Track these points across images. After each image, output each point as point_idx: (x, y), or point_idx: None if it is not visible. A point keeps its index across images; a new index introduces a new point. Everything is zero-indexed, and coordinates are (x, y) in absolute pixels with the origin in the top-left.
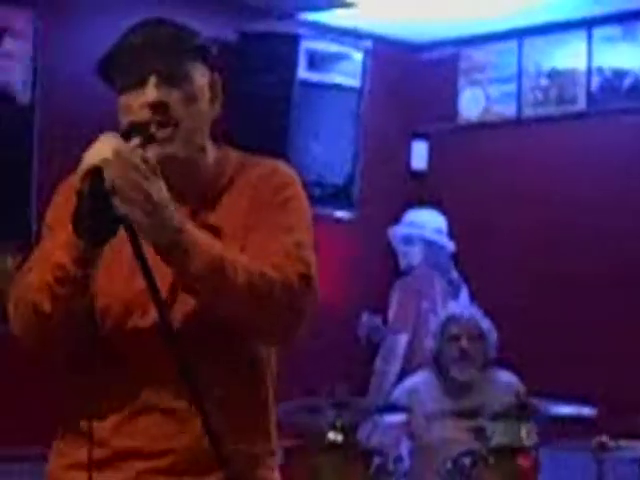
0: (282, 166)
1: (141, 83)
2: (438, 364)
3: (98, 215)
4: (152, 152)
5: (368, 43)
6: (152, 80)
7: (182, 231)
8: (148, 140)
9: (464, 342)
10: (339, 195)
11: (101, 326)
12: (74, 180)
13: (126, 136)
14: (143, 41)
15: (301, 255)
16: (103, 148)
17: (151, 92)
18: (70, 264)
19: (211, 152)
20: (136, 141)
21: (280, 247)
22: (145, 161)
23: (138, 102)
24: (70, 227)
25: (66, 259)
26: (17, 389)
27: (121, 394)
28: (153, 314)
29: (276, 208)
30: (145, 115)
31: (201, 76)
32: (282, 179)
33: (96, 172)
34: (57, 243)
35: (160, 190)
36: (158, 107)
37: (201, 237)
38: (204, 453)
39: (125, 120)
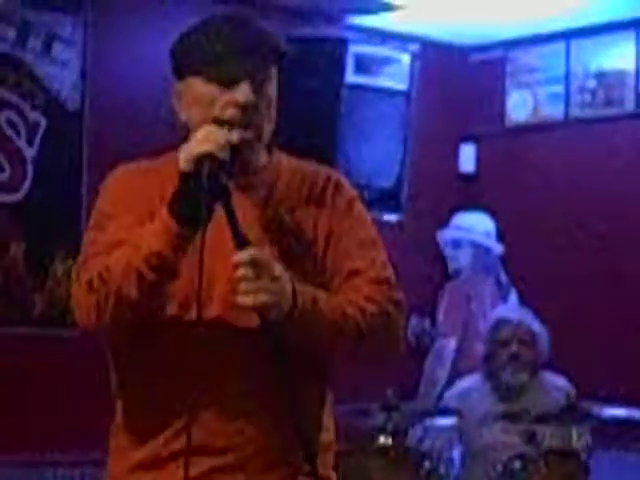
0: (343, 177)
1: (234, 82)
2: (489, 368)
3: (205, 199)
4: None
5: (415, 46)
6: (245, 83)
7: (299, 299)
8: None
9: (514, 346)
10: (387, 198)
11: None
12: (131, 169)
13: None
14: (234, 41)
15: (388, 277)
16: (210, 139)
17: (244, 95)
18: (167, 250)
19: (263, 151)
20: (238, 134)
21: (371, 268)
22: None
23: (224, 99)
24: (167, 213)
25: (162, 246)
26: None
27: (187, 388)
28: (217, 308)
29: (356, 220)
30: (232, 113)
31: (275, 78)
32: (351, 192)
33: (208, 157)
34: (142, 230)
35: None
36: (246, 109)
37: (311, 296)
38: (272, 449)
39: (201, 110)
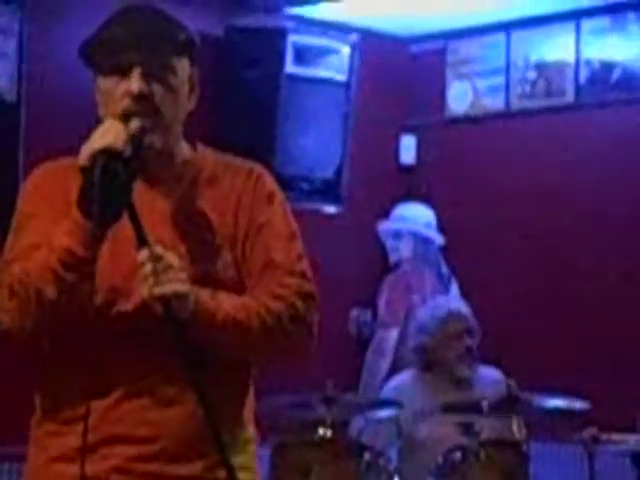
0: (265, 171)
1: (125, 72)
2: (434, 361)
3: (109, 194)
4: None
5: (355, 37)
6: (137, 71)
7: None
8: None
9: (468, 339)
10: (327, 189)
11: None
12: (50, 168)
13: (125, 120)
14: (132, 30)
15: (302, 270)
16: (110, 132)
17: (135, 83)
18: (78, 248)
19: (185, 145)
20: (136, 123)
21: (286, 260)
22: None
23: (120, 90)
24: (75, 210)
25: (74, 243)
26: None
27: (108, 379)
28: (138, 298)
29: (275, 213)
30: (126, 104)
31: (183, 69)
32: (272, 185)
33: (109, 153)
34: (57, 229)
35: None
36: (141, 98)
37: (207, 297)
38: (192, 440)
39: (106, 104)
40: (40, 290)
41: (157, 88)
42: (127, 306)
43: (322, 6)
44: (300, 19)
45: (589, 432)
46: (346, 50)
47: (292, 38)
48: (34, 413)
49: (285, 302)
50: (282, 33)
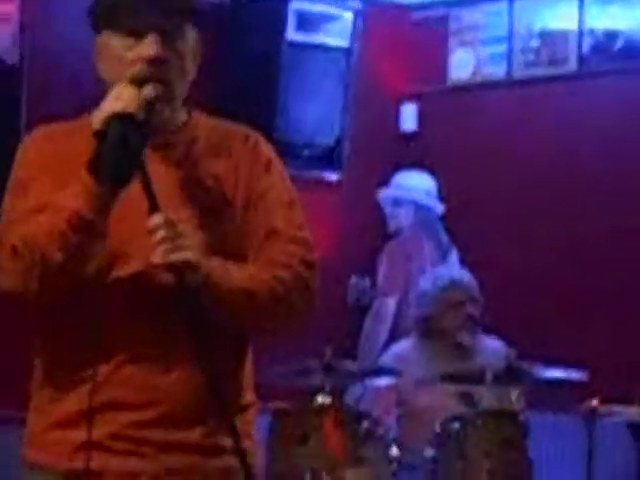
0: (261, 137)
1: (139, 35)
2: (431, 329)
3: (122, 158)
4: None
5: (357, 4)
6: (153, 36)
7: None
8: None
9: (470, 307)
10: (328, 157)
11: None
12: (48, 131)
13: (138, 85)
14: None
15: (304, 238)
16: (124, 96)
17: (151, 48)
18: (88, 211)
19: (182, 111)
20: (150, 89)
21: (288, 227)
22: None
23: (133, 54)
24: (85, 173)
25: (83, 206)
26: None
27: (107, 343)
28: (135, 265)
29: (276, 180)
30: (140, 68)
31: (191, 36)
32: (270, 152)
33: (123, 117)
34: (64, 192)
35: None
36: (155, 63)
37: (217, 266)
38: (192, 405)
39: (113, 66)
40: (46, 252)
41: (169, 54)
42: (126, 271)
43: None
44: None
45: (588, 403)
46: (348, 16)
47: (294, 5)
48: (32, 378)
49: (291, 271)
50: (284, 0)
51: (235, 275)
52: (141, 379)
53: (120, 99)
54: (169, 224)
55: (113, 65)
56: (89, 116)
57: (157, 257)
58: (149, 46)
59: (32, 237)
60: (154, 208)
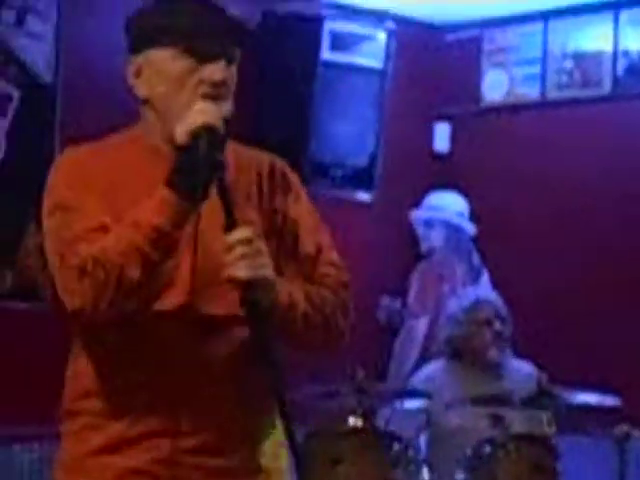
0: (286, 164)
1: (210, 58)
2: (460, 351)
3: (209, 171)
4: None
5: (391, 24)
6: (222, 61)
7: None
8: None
9: (497, 324)
10: (361, 177)
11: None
12: (82, 151)
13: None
14: (217, 20)
15: (338, 260)
16: (208, 111)
17: (220, 72)
18: (168, 225)
19: None
20: (228, 107)
21: (324, 252)
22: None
23: (200, 75)
24: (163, 188)
25: (163, 221)
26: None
27: (150, 371)
28: (179, 298)
29: (305, 206)
30: (206, 89)
31: (239, 58)
32: (297, 180)
33: (210, 130)
34: (136, 209)
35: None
36: (220, 85)
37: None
38: (234, 432)
39: (168, 84)
40: (123, 269)
41: (228, 76)
42: (172, 301)
43: None
44: (337, 6)
45: (620, 428)
46: (382, 37)
47: (328, 25)
48: (64, 402)
49: (332, 292)
50: (319, 20)
51: (295, 295)
52: (183, 407)
53: (206, 113)
54: (250, 240)
55: (164, 83)
56: (133, 132)
57: (240, 272)
58: (217, 71)
59: (104, 255)
60: (232, 223)
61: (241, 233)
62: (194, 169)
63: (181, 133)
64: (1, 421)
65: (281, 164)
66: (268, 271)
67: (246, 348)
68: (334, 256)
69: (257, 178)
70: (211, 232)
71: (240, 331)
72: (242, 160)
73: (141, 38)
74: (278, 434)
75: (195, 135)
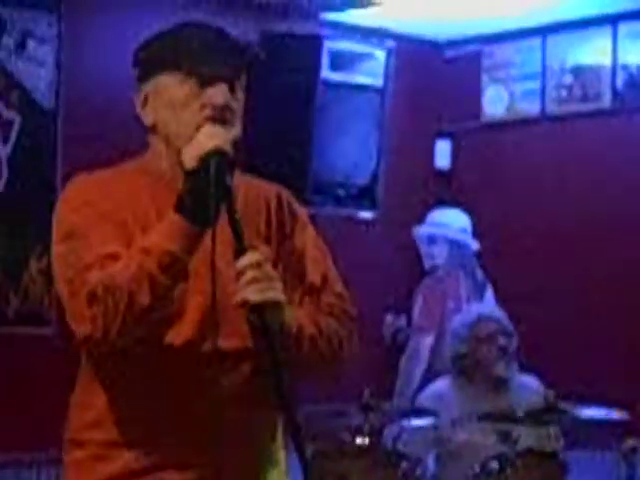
0: (290, 194)
1: (213, 81)
2: (466, 367)
3: (219, 196)
4: None
5: (391, 42)
6: (224, 85)
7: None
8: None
9: (502, 339)
10: (363, 195)
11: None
12: (91, 179)
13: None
14: (220, 43)
15: (343, 292)
16: (217, 135)
17: (222, 95)
18: (179, 250)
19: None
20: (237, 130)
21: (330, 283)
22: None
23: (205, 99)
24: (173, 214)
25: (174, 246)
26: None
27: (155, 405)
28: (189, 332)
29: (310, 237)
30: (209, 112)
31: (244, 81)
32: (302, 210)
33: (219, 153)
34: (145, 236)
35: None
36: (224, 110)
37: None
38: (239, 467)
39: (173, 110)
40: (133, 295)
41: (232, 101)
42: (180, 335)
43: (357, 12)
44: (336, 25)
45: (628, 442)
46: (381, 55)
47: (328, 44)
48: (69, 431)
49: (339, 321)
50: (318, 39)
51: (302, 320)
52: (190, 441)
53: (215, 137)
54: (259, 264)
55: (170, 109)
56: (140, 160)
57: (251, 295)
58: (219, 94)
59: (113, 282)
60: (242, 248)
61: (250, 257)
62: (204, 193)
63: (190, 157)
64: (4, 446)
65: (287, 195)
66: (278, 294)
67: (254, 382)
68: (339, 287)
69: (265, 209)
70: (223, 262)
71: (249, 365)
72: (250, 191)
73: (147, 66)
74: (281, 468)
75: (205, 159)
